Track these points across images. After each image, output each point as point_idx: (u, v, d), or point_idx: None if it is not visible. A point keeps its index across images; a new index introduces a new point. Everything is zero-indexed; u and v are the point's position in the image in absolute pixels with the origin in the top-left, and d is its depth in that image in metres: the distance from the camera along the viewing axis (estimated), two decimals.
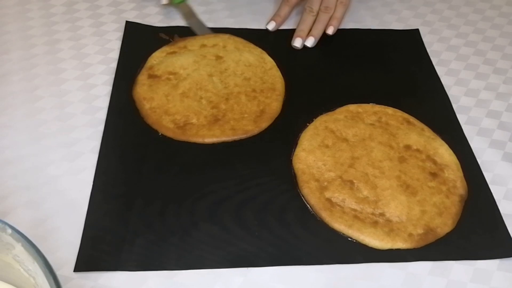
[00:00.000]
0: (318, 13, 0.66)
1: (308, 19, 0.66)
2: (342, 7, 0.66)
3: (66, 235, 0.44)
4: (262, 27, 0.68)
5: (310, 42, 0.65)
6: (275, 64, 0.61)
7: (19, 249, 0.31)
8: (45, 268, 0.29)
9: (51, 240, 0.44)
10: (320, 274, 0.43)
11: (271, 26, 0.67)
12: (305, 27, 0.66)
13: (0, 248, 0.32)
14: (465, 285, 0.43)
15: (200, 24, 0.67)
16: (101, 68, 0.60)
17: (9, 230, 0.31)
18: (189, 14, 0.68)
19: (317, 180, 0.49)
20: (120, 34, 0.65)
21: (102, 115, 0.55)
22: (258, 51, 0.63)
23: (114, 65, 0.61)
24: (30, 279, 0.33)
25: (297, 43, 0.65)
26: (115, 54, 0.62)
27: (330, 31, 0.66)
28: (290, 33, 0.67)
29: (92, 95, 0.57)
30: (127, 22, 0.66)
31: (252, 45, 0.63)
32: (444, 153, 0.52)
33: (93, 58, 0.62)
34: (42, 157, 0.50)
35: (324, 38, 0.66)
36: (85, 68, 0.60)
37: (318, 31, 0.65)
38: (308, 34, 0.65)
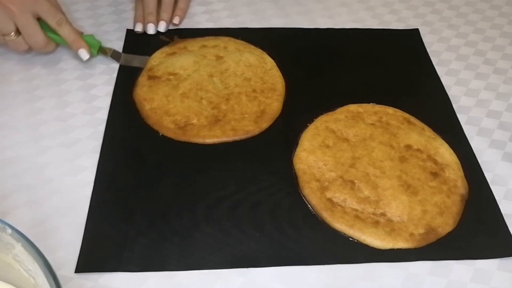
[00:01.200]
0: None
1: (151, 1, 0.65)
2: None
3: (66, 235, 0.44)
4: (262, 26, 0.68)
5: (162, 27, 0.65)
6: (275, 64, 0.61)
7: (19, 249, 0.31)
8: (45, 268, 0.29)
9: (51, 240, 0.44)
10: (320, 274, 0.43)
11: (139, 28, 0.65)
12: (151, 9, 0.65)
13: (0, 248, 0.32)
14: (465, 285, 0.43)
15: (133, 57, 0.61)
16: (101, 68, 0.60)
17: (9, 230, 0.31)
18: (116, 54, 0.62)
19: (318, 180, 0.49)
20: (120, 34, 0.65)
21: (102, 115, 0.55)
22: (258, 51, 0.63)
23: (114, 65, 0.61)
24: (30, 279, 0.33)
25: (151, 29, 0.64)
26: None
27: (177, 21, 0.66)
28: (291, 32, 0.67)
29: (92, 95, 0.57)
30: (127, 30, 0.66)
31: (252, 47, 0.63)
32: (445, 153, 0.52)
33: (93, 58, 0.62)
34: (42, 157, 0.50)
35: (324, 37, 0.66)
36: (85, 68, 0.60)
37: (167, 15, 0.66)
38: (159, 19, 0.65)
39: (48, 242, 0.43)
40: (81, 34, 0.61)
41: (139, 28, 0.65)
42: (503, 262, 0.45)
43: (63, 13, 0.58)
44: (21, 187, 0.47)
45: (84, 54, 0.59)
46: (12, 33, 0.55)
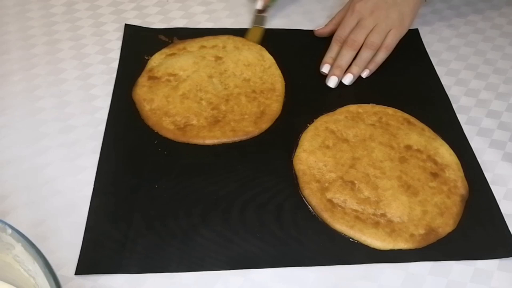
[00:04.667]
0: (361, 48, 0.60)
1: (348, 55, 0.59)
2: (385, 51, 0.60)
3: (66, 235, 0.44)
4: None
5: (348, 80, 0.59)
6: (274, 61, 0.61)
7: (19, 249, 0.31)
8: (45, 268, 0.29)
9: (51, 240, 0.44)
10: (320, 274, 0.43)
11: (325, 69, 0.60)
12: (343, 63, 0.59)
13: (0, 248, 0.32)
14: (465, 285, 0.43)
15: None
16: (101, 68, 0.60)
17: (9, 230, 0.31)
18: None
19: (318, 181, 0.49)
20: (120, 34, 0.65)
21: (102, 115, 0.55)
22: (257, 48, 0.63)
23: (114, 65, 0.61)
24: (30, 279, 0.33)
25: (332, 83, 0.59)
26: (115, 54, 0.62)
27: (365, 74, 0.60)
28: (291, 32, 0.67)
29: (92, 95, 0.57)
30: (126, 25, 0.66)
31: (251, 43, 0.63)
32: (445, 153, 0.52)
33: (93, 58, 0.62)
34: (42, 157, 0.50)
35: (324, 37, 0.66)
36: (85, 68, 0.60)
37: (358, 70, 0.59)
38: (347, 71, 0.59)
39: (48, 242, 0.43)
40: None
41: (325, 69, 0.60)
42: (503, 262, 0.45)
43: None
44: (21, 187, 0.47)
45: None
46: None
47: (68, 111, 0.55)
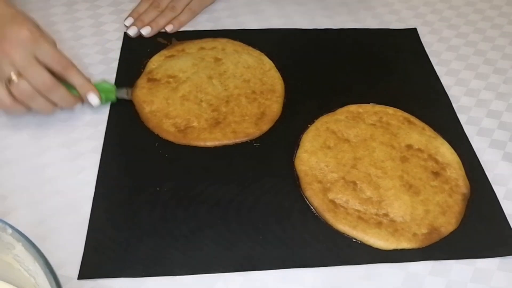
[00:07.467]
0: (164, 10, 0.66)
1: (152, 13, 0.66)
2: (190, 13, 0.67)
3: (66, 235, 0.44)
4: (262, 27, 0.68)
5: (146, 31, 0.64)
6: (273, 65, 0.61)
7: (19, 249, 0.31)
8: (45, 268, 0.29)
9: (51, 240, 0.44)
10: (320, 273, 0.43)
11: (128, 22, 0.65)
12: (146, 19, 0.65)
13: (1, 248, 0.32)
14: (465, 285, 0.43)
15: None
16: (101, 68, 0.60)
17: (10, 230, 0.31)
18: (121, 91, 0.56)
19: (320, 182, 0.49)
20: (120, 34, 0.65)
21: (102, 115, 0.55)
22: (256, 53, 0.63)
23: (114, 65, 0.61)
24: (30, 279, 0.33)
25: (131, 31, 0.64)
26: (115, 54, 0.62)
27: (169, 28, 0.66)
28: (291, 33, 0.67)
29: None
30: (125, 33, 0.65)
31: (251, 48, 0.63)
32: (446, 152, 0.52)
33: (93, 58, 0.62)
34: (42, 157, 0.50)
35: (324, 37, 0.66)
36: (85, 68, 0.60)
37: (158, 25, 0.65)
38: (147, 24, 0.65)
39: (48, 242, 0.43)
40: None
41: (127, 22, 0.65)
42: (503, 262, 0.45)
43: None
44: (21, 187, 0.47)
45: (93, 98, 0.52)
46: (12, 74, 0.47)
47: (68, 111, 0.55)
